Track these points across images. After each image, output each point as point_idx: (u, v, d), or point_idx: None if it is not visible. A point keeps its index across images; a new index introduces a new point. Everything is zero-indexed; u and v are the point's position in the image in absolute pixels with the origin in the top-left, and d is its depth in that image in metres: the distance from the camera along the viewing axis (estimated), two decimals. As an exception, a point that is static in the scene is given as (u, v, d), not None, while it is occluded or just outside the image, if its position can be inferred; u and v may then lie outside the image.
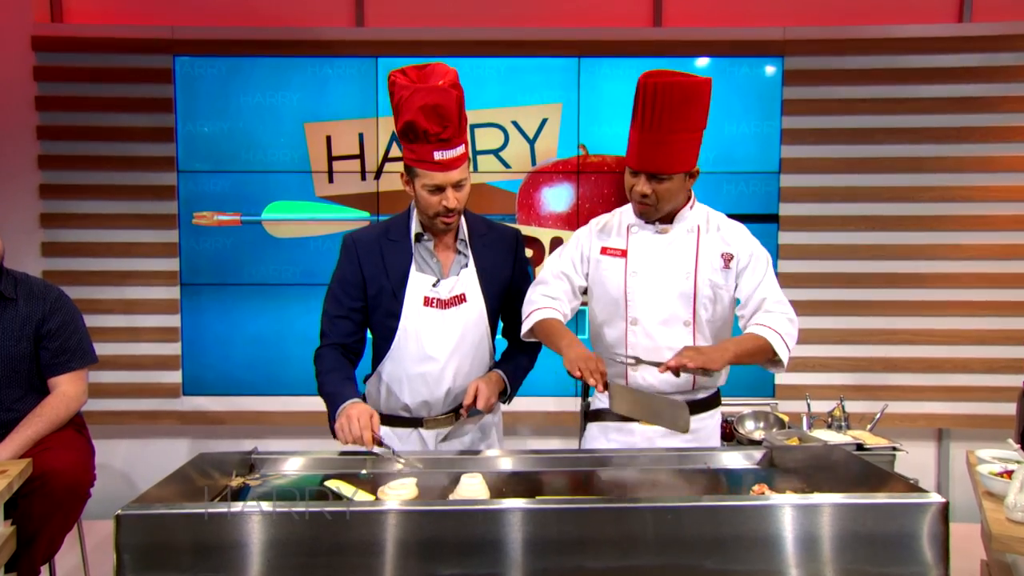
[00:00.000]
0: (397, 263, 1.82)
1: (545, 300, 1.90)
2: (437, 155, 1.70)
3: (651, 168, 1.74)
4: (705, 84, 1.75)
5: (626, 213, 1.92)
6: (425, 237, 1.85)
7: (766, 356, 1.77)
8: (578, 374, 1.64)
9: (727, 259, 1.83)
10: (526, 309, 1.89)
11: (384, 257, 1.82)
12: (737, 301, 1.88)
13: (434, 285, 1.82)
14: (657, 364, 1.67)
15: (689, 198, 1.87)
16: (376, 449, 1.60)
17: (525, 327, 1.86)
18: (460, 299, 1.83)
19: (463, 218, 1.87)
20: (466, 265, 1.86)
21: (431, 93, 1.67)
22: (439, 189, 1.74)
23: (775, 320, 1.78)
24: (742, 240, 1.86)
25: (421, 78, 1.72)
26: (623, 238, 1.88)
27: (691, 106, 1.72)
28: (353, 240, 1.86)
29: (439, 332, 1.82)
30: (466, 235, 1.87)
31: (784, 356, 1.76)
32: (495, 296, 1.88)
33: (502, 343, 2.01)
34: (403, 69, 1.74)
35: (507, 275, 1.91)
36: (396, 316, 1.81)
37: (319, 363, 1.83)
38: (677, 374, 1.65)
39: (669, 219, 1.86)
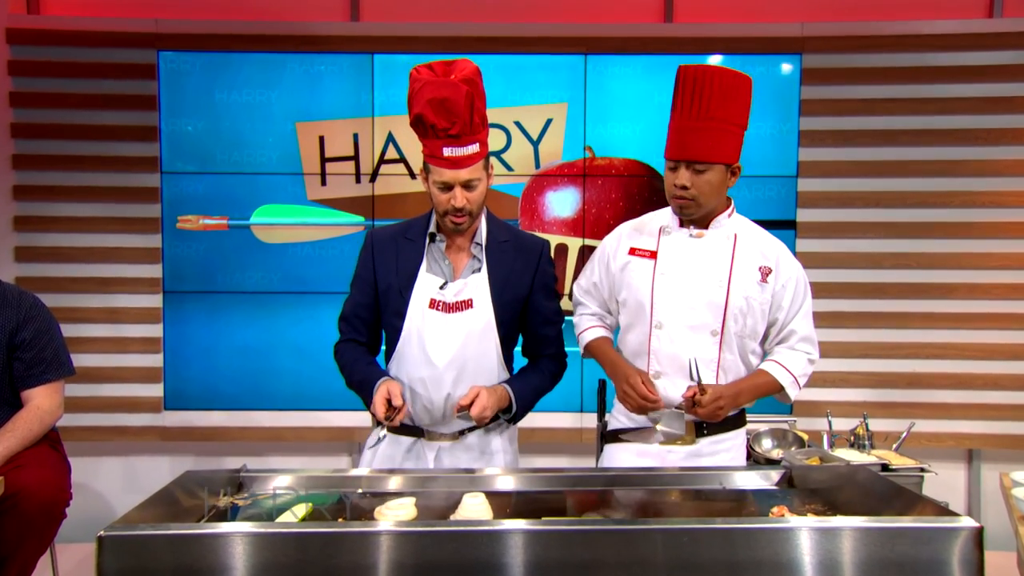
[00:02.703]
0: (408, 262, 1.87)
1: (587, 320, 2.03)
2: (446, 151, 1.75)
3: (690, 155, 1.79)
4: (746, 80, 1.81)
5: (661, 215, 1.95)
6: (439, 237, 1.89)
7: (775, 393, 1.91)
8: (635, 410, 1.81)
9: (764, 273, 1.86)
10: (576, 333, 2.03)
11: (398, 255, 1.88)
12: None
13: (441, 287, 1.85)
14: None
15: (729, 204, 1.91)
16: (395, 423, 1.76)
17: (581, 351, 2.01)
18: (466, 304, 1.85)
19: (484, 221, 1.90)
20: (478, 270, 1.88)
21: (440, 87, 1.72)
22: (447, 187, 1.78)
23: (794, 360, 1.90)
24: (784, 258, 1.90)
25: (442, 73, 1.77)
26: (654, 239, 1.92)
27: (731, 98, 1.78)
28: (372, 236, 1.94)
29: (441, 337, 1.84)
30: (483, 239, 1.89)
31: (793, 398, 1.91)
32: (507, 306, 1.88)
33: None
34: (429, 64, 1.79)
35: (524, 288, 1.91)
36: (401, 316, 1.86)
37: (340, 357, 1.94)
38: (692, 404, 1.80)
39: (705, 224, 1.88)
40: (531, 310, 1.93)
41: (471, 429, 1.90)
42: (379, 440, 1.89)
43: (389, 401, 1.75)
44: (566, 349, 2.04)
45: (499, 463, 1.93)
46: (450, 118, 1.72)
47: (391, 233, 1.93)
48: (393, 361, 1.90)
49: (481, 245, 1.89)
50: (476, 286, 1.86)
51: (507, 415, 1.90)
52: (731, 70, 1.80)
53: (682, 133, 1.80)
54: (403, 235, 1.91)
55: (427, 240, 1.89)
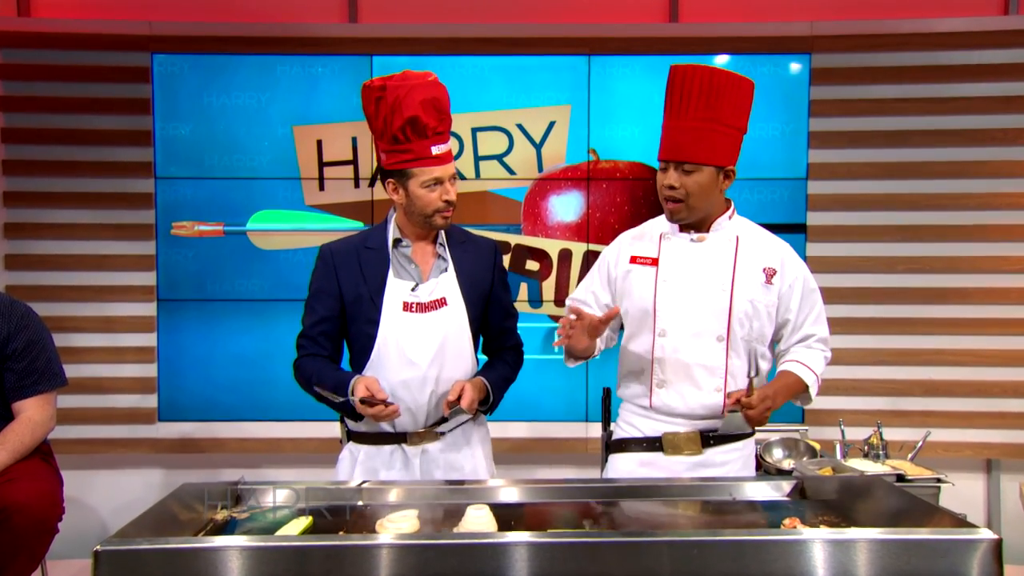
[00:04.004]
0: (375, 270, 1.94)
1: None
2: (435, 149, 1.87)
3: (679, 156, 1.82)
4: (741, 81, 1.82)
5: (661, 222, 1.98)
6: (403, 243, 1.98)
7: (800, 394, 1.92)
8: (561, 334, 1.80)
9: (769, 274, 1.87)
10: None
11: (362, 266, 1.95)
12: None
13: (413, 290, 1.93)
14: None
15: (729, 207, 1.92)
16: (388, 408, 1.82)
17: (566, 357, 2.01)
18: (440, 303, 1.94)
19: None
20: (445, 269, 1.97)
21: (429, 87, 1.84)
22: (438, 183, 1.88)
23: (815, 360, 1.92)
24: (788, 258, 1.91)
25: (404, 80, 1.86)
26: (655, 246, 1.93)
27: (723, 98, 1.79)
28: (330, 250, 1.99)
29: (420, 337, 1.91)
30: (444, 240, 1.99)
31: (813, 398, 1.93)
32: (476, 303, 1.99)
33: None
34: (378, 78, 1.89)
35: (487, 284, 2.02)
36: (375, 323, 1.92)
37: (303, 371, 1.97)
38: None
39: (706, 227, 1.90)
40: (494, 304, 2.05)
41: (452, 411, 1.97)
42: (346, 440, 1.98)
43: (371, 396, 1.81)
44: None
45: (480, 456, 2.02)
46: (439, 116, 1.86)
47: (348, 246, 2.00)
48: (368, 370, 1.94)
49: (444, 245, 1.99)
50: (447, 284, 1.96)
51: (484, 406, 1.98)
52: (725, 70, 1.82)
53: (671, 133, 1.83)
54: (362, 245, 1.99)
55: (390, 247, 1.96)
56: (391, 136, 1.85)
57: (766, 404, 1.78)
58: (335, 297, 1.96)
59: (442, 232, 1.98)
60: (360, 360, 1.96)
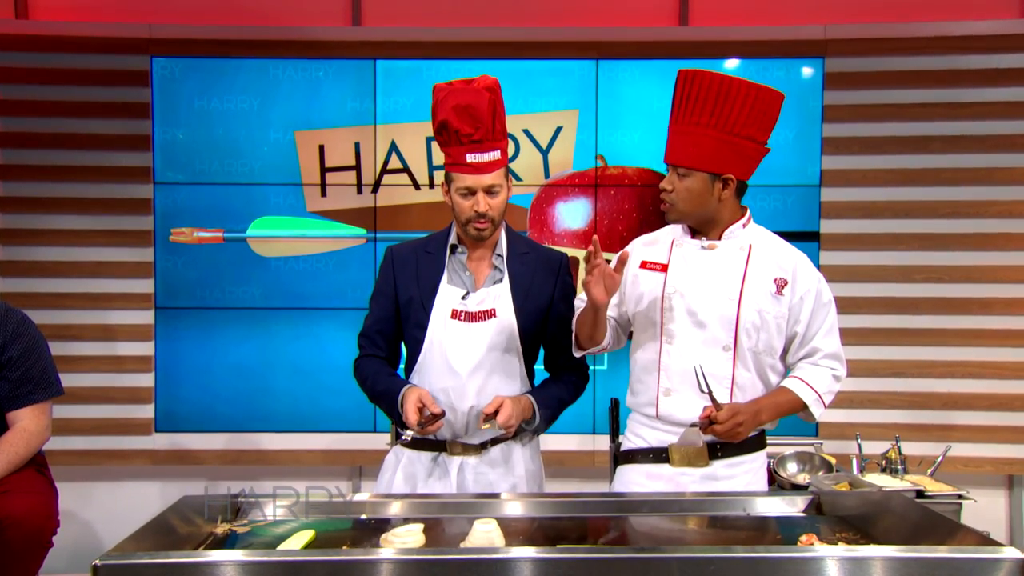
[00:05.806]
0: (429, 274, 1.98)
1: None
2: (470, 157, 1.88)
3: (671, 159, 1.88)
4: (754, 89, 1.82)
5: (674, 228, 1.99)
6: (459, 249, 2.00)
7: (798, 411, 1.91)
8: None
9: (780, 285, 1.87)
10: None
11: (418, 268, 1.99)
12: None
13: (463, 297, 1.95)
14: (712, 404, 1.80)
15: (743, 214, 1.93)
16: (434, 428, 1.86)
17: (574, 346, 1.97)
18: (489, 314, 1.94)
19: (503, 234, 2.01)
20: (500, 280, 1.98)
21: (463, 94, 1.86)
22: (471, 192, 1.90)
23: (818, 376, 1.91)
24: (802, 269, 1.90)
25: (462, 84, 1.89)
26: (666, 252, 1.95)
27: (725, 104, 1.81)
28: (392, 251, 2.06)
29: (464, 346, 1.93)
30: (504, 250, 1.99)
31: (818, 416, 1.92)
32: (530, 316, 1.98)
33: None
34: (450, 81, 1.92)
35: (546, 298, 2.01)
36: (424, 327, 1.95)
37: (360, 372, 2.03)
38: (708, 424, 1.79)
39: (717, 235, 1.91)
40: (553, 321, 2.03)
41: (494, 442, 1.97)
42: (406, 440, 1.97)
43: (421, 410, 1.84)
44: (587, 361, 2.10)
45: (522, 476, 2.00)
46: (474, 123, 1.86)
47: (410, 248, 2.06)
48: (415, 373, 1.98)
49: (502, 256, 1.99)
50: (498, 296, 1.96)
51: (530, 426, 1.97)
52: (738, 79, 1.82)
53: (670, 136, 1.89)
54: (423, 249, 2.03)
55: (448, 252, 1.99)
56: (435, 136, 1.92)
57: (736, 420, 1.77)
58: (391, 299, 2.01)
59: (502, 241, 1.99)
60: (411, 361, 2.01)
